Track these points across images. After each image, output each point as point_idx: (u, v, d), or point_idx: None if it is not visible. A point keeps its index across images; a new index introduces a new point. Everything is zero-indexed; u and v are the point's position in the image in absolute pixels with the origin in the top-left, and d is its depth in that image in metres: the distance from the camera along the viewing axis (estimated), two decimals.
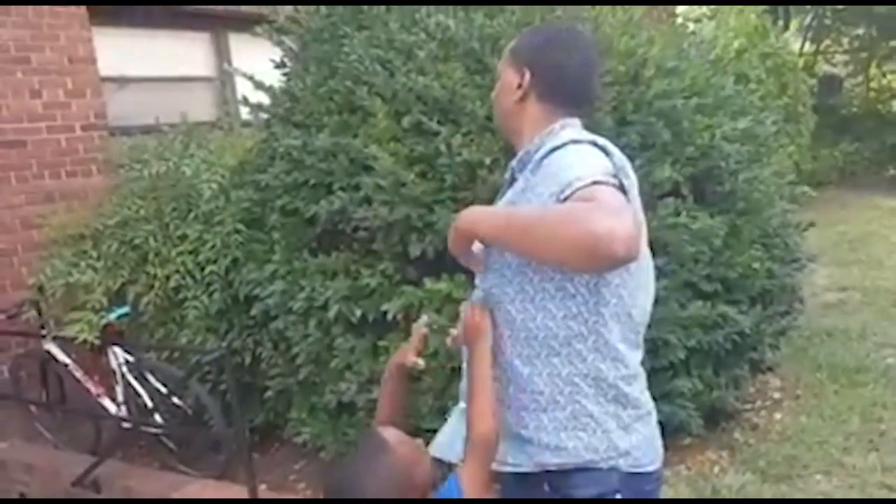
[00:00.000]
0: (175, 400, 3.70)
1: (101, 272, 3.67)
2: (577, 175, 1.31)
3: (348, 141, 3.15)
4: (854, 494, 3.07)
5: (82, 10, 4.73)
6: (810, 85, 10.18)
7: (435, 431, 2.80)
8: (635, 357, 1.51)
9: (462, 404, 1.61)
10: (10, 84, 4.44)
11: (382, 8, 3.41)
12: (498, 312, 1.49)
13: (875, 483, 3.13)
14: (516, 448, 1.48)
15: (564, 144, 1.42)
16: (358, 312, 3.13)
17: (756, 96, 4.20)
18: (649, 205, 2.67)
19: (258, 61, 3.95)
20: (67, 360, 4.02)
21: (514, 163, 1.58)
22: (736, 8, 9.82)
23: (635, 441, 1.47)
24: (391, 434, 1.47)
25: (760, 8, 9.85)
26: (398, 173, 2.99)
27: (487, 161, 2.97)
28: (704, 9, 12.94)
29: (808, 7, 14.22)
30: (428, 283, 3.05)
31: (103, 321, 3.71)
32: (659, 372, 3.13)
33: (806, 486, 3.15)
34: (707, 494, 3.14)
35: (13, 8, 4.44)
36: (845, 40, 15.40)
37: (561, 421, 1.44)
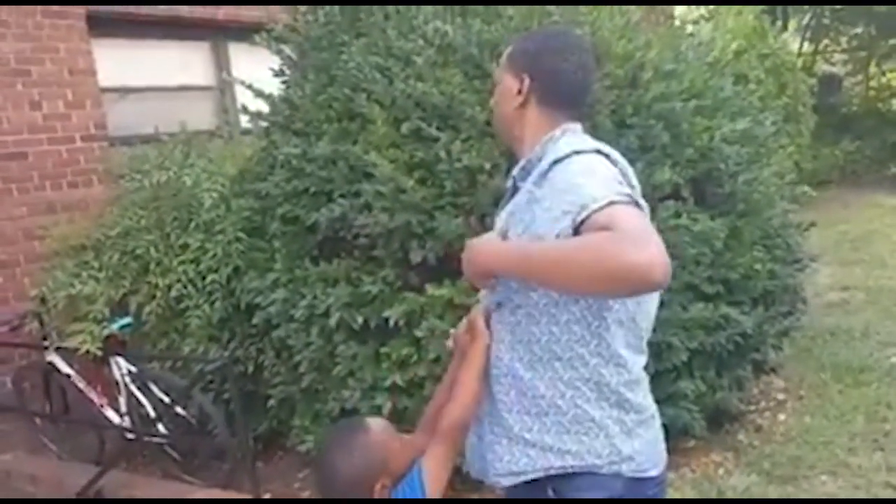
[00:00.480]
0: (178, 409, 3.70)
1: (102, 283, 3.68)
2: (591, 195, 1.29)
3: (347, 148, 3.15)
4: (860, 495, 3.06)
5: (81, 22, 4.74)
6: (810, 84, 10.18)
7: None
8: (639, 362, 1.51)
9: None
10: (10, 96, 4.45)
11: (380, 15, 3.42)
12: (500, 317, 1.49)
13: (880, 483, 3.12)
14: (520, 452, 1.48)
15: (568, 156, 1.41)
16: (360, 319, 3.13)
17: (755, 97, 4.19)
18: (650, 207, 2.67)
19: (257, 70, 3.96)
20: (70, 371, 4.02)
21: (515, 171, 1.58)
22: (734, 9, 9.82)
23: (638, 446, 1.47)
24: (376, 422, 1.51)
25: (758, 8, 9.85)
26: (398, 180, 2.99)
27: (487, 166, 2.97)
28: (702, 10, 12.95)
29: (807, 7, 14.23)
30: (430, 288, 3.05)
31: (105, 332, 3.71)
32: (662, 374, 3.13)
33: (811, 486, 3.14)
34: (712, 496, 3.13)
35: (13, 20, 4.45)
36: (844, 39, 15.40)
37: (563, 424, 1.44)
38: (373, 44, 3.34)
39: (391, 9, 3.41)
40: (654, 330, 1.60)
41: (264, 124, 3.76)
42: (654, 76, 3.30)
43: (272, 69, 3.81)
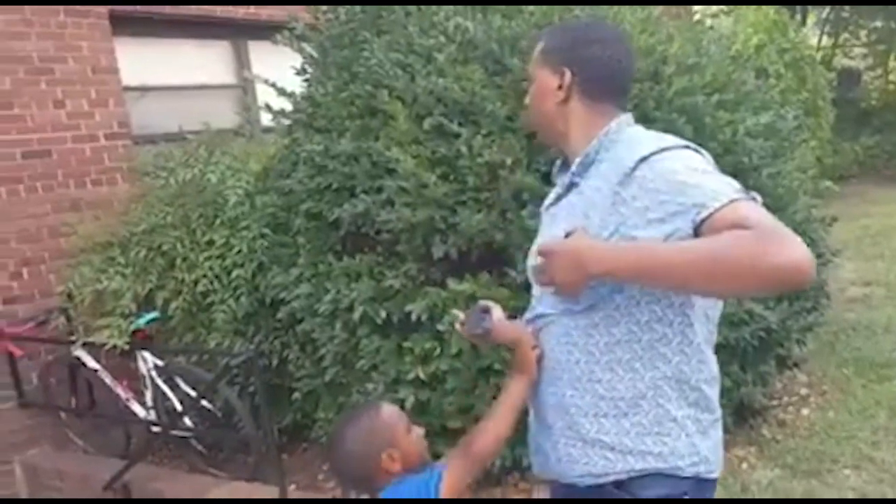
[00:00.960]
0: (204, 403, 3.74)
1: (129, 278, 3.73)
2: (708, 193, 1.25)
3: (370, 144, 3.18)
4: (884, 489, 3.05)
5: (104, 20, 4.80)
6: (829, 79, 10.10)
7: (460, 431, 2.82)
8: (714, 357, 1.49)
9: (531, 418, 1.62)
10: (34, 95, 4.50)
11: (402, 13, 3.44)
12: (573, 322, 1.45)
13: None
14: (597, 455, 1.45)
15: (656, 153, 1.35)
16: (383, 314, 3.16)
17: (776, 91, 4.18)
18: None
19: (277, 68, 3.99)
20: (97, 366, 4.08)
21: (574, 167, 1.49)
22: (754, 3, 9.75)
23: (711, 445, 1.45)
24: (389, 406, 1.57)
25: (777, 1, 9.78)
26: (420, 175, 3.01)
27: (508, 161, 2.98)
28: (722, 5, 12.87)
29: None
30: (451, 283, 3.07)
31: (132, 326, 3.77)
32: None
33: (835, 480, 3.13)
34: (736, 491, 3.14)
35: (36, 19, 4.51)
36: (863, 33, 15.24)
37: (644, 426, 1.41)
38: (394, 41, 3.36)
39: (412, 6, 3.43)
40: None
41: (287, 122, 3.80)
42: (677, 70, 3.30)
43: (294, 67, 3.85)
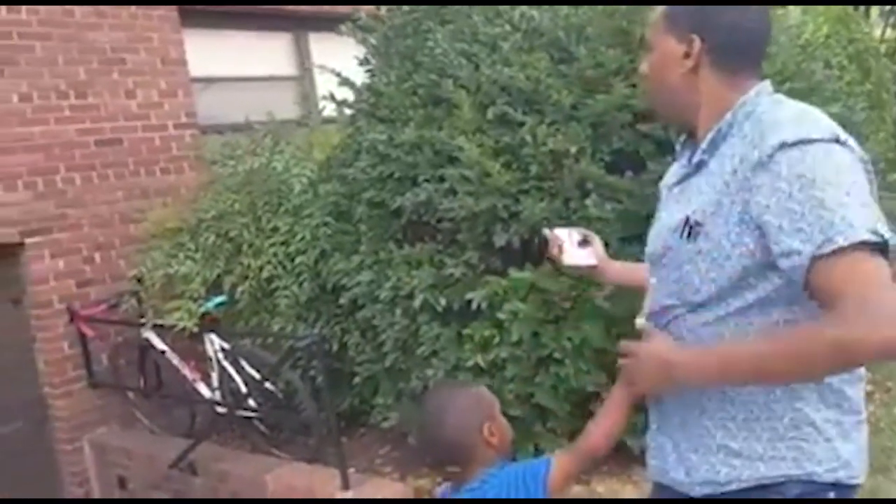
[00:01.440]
0: (267, 385, 3.84)
1: (198, 263, 3.86)
2: (842, 223, 1.12)
3: (433, 133, 3.21)
4: None
5: (174, 12, 4.94)
6: (893, 71, 9.78)
7: (516, 419, 2.83)
8: None
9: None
10: (107, 84, 4.67)
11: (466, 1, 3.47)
12: (699, 319, 1.36)
13: None
14: (720, 462, 1.35)
15: (799, 144, 1.20)
16: (443, 301, 3.19)
17: (843, 83, 4.08)
18: None
19: (336, 59, 4.05)
20: (165, 348, 4.22)
21: (704, 144, 1.37)
22: None
23: (853, 449, 1.34)
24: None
25: None
26: (483, 164, 3.04)
27: (573, 150, 2.99)
28: None
29: None
30: (512, 272, 3.10)
31: (201, 309, 3.89)
32: None
33: None
34: None
35: (109, 11, 4.67)
36: None
37: (778, 431, 1.31)
38: (458, 30, 3.39)
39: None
40: None
41: (349, 112, 3.86)
42: None
43: (357, 58, 3.91)
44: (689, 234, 1.33)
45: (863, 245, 1.12)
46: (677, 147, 1.51)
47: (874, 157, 4.10)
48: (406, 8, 3.79)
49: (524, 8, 3.24)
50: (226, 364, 3.96)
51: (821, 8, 8.52)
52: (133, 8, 4.77)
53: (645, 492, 1.76)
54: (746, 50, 1.37)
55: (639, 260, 2.83)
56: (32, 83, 4.34)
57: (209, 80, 5.28)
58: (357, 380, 3.69)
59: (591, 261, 1.72)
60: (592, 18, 3.11)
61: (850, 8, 9.44)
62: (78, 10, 4.52)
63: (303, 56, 5.81)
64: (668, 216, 1.44)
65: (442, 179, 3.21)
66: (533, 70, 3.09)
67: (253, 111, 4.98)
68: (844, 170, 1.20)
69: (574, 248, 1.67)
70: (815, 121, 1.26)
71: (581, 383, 2.98)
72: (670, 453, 1.44)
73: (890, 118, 9.71)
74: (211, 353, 4.00)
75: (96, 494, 4.57)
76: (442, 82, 3.27)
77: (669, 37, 1.38)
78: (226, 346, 3.98)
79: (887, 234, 1.13)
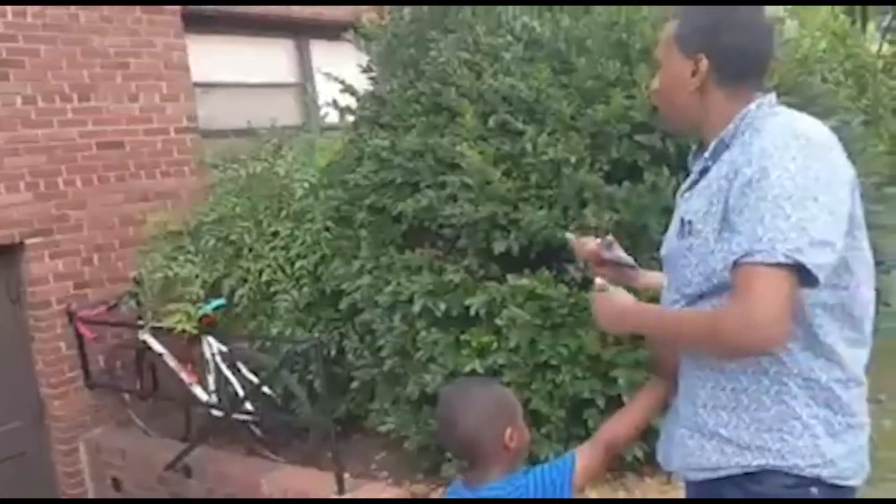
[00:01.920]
0: (265, 389, 3.86)
1: (198, 266, 3.88)
2: (769, 241, 1.23)
3: (435, 141, 3.25)
4: None
5: (177, 18, 4.98)
6: (890, 87, 9.87)
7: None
8: (857, 357, 1.41)
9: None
10: (110, 88, 4.70)
11: (469, 12, 3.51)
12: (700, 308, 1.45)
13: None
14: (713, 448, 1.43)
15: (776, 151, 1.29)
16: (442, 307, 3.22)
17: (840, 98, 4.13)
18: None
19: (337, 66, 4.10)
20: (162, 350, 4.23)
21: (707, 153, 1.45)
22: (815, 7, 9.60)
23: (842, 451, 1.37)
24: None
25: (839, 8, 9.62)
26: (485, 171, 3.08)
27: (573, 159, 3.03)
28: (781, 9, 12.66)
29: (889, 7, 13.75)
30: (511, 279, 3.13)
31: (200, 312, 3.91)
32: None
33: (893, 489, 3.09)
34: None
35: (114, 15, 4.71)
36: None
37: (765, 421, 1.37)
38: (461, 40, 3.43)
39: (479, 6, 3.50)
40: None
41: (352, 118, 3.90)
42: None
43: (360, 66, 3.95)
44: (682, 232, 1.45)
45: (776, 265, 1.23)
46: (690, 158, 1.59)
47: (867, 171, 4.15)
48: (409, 17, 3.83)
49: (526, 19, 3.28)
50: (223, 367, 3.97)
51: (818, 22, 8.61)
52: (138, 13, 4.81)
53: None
54: (751, 67, 1.44)
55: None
56: (37, 86, 4.37)
57: (211, 86, 5.32)
58: (355, 384, 3.72)
59: (630, 260, 1.76)
60: (592, 31, 3.16)
61: (847, 23, 9.54)
62: (83, 14, 4.56)
63: (304, 63, 5.85)
64: (676, 220, 1.53)
65: (443, 186, 3.25)
66: (534, 80, 3.13)
67: (254, 117, 5.02)
68: (803, 183, 1.27)
69: (607, 248, 1.71)
70: (797, 130, 1.33)
71: (576, 390, 3.01)
72: (673, 440, 1.53)
73: (887, 133, 9.80)
74: (208, 356, 4.01)
75: (91, 495, 4.58)
76: (444, 91, 3.31)
77: (678, 55, 1.46)
78: (223, 349, 4.00)
79: (804, 258, 1.22)
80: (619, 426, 1.56)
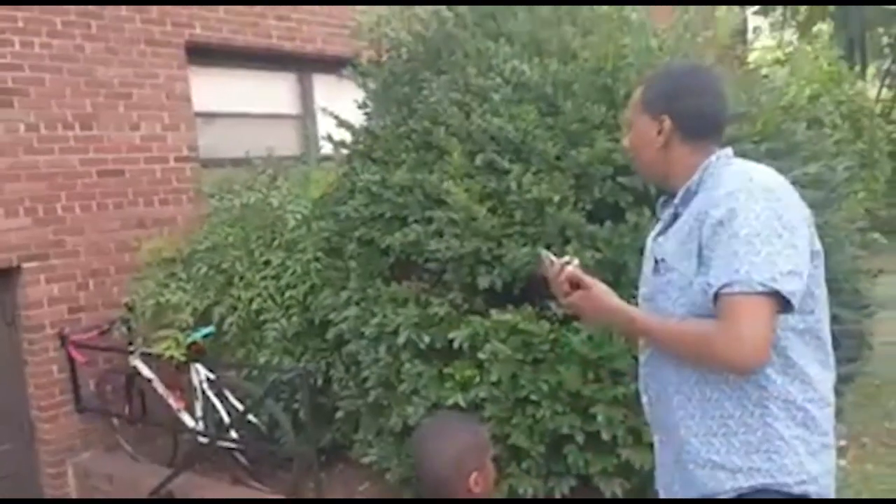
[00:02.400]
0: (250, 417, 3.89)
1: (189, 293, 3.94)
2: (746, 273, 1.38)
3: (424, 177, 3.32)
4: None
5: (181, 50, 5.11)
6: (887, 131, 10.00)
7: (495, 458, 2.90)
8: (826, 380, 1.54)
9: (655, 436, 1.75)
10: (112, 117, 4.81)
11: (461, 54, 3.61)
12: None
13: None
14: (707, 475, 1.53)
15: (739, 193, 1.46)
16: (426, 339, 3.26)
17: (831, 142, 4.21)
18: None
19: (339, 101, 4.20)
20: (152, 376, 4.27)
21: (676, 200, 1.63)
22: (810, 54, 9.76)
23: (821, 470, 1.50)
24: (482, 426, 1.71)
25: (835, 53, 9.78)
26: (470, 208, 3.14)
27: (556, 198, 3.09)
28: (778, 53, 12.86)
29: (887, 52, 13.95)
30: (494, 313, 3.17)
31: (189, 339, 3.95)
32: None
33: None
34: None
35: (119, 47, 4.83)
36: None
37: (752, 444, 1.48)
38: (452, 80, 3.52)
39: (471, 48, 3.60)
40: None
41: (346, 152, 3.98)
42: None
43: (356, 101, 4.04)
44: (658, 270, 1.62)
45: (754, 293, 1.38)
46: (657, 206, 1.78)
47: (851, 217, 4.22)
48: (405, 56, 3.93)
49: (516, 62, 3.37)
50: (210, 394, 4.01)
51: (807, 69, 8.76)
52: (142, 45, 4.93)
53: None
54: (708, 125, 1.64)
55: None
56: (40, 114, 4.48)
57: (213, 116, 5.43)
58: (339, 414, 3.74)
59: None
60: (579, 75, 3.25)
61: (844, 67, 9.69)
62: (89, 45, 4.68)
63: (306, 96, 5.97)
64: (650, 261, 1.69)
65: (430, 221, 3.31)
66: (521, 121, 3.21)
67: (255, 148, 5.12)
68: (767, 222, 1.43)
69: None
70: (754, 177, 1.51)
71: (556, 425, 3.03)
72: (671, 469, 1.64)
73: (882, 177, 9.90)
74: (196, 382, 4.05)
75: None
76: (434, 129, 3.39)
77: (645, 117, 1.66)
78: (211, 376, 4.04)
79: (779, 286, 1.39)
80: None
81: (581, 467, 3.06)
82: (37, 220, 4.44)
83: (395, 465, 3.48)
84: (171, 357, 3.94)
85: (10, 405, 4.46)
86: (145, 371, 4.29)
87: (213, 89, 5.38)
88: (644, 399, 1.75)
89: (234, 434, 3.93)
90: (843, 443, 3.96)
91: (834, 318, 3.59)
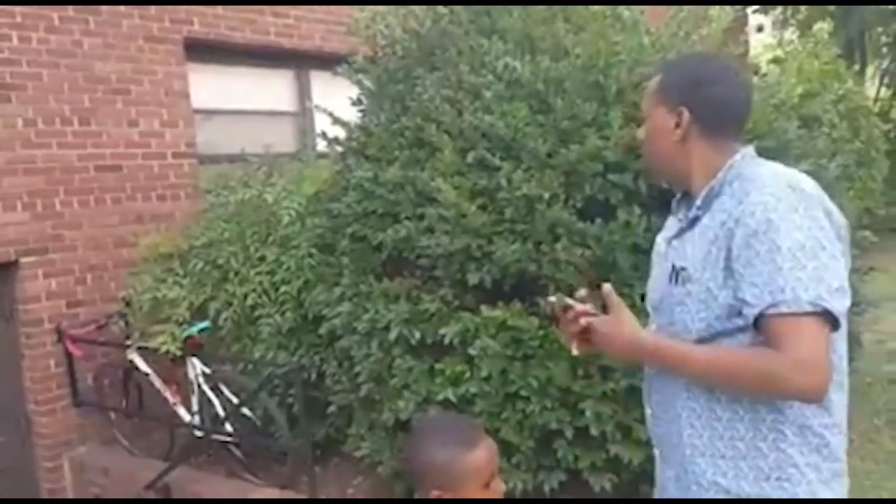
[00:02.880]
0: (245, 411, 3.93)
1: (186, 288, 3.98)
2: (792, 291, 1.28)
3: (416, 174, 3.35)
4: None
5: (179, 46, 5.13)
6: (884, 130, 10.01)
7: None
8: (842, 404, 1.45)
9: (656, 450, 1.65)
10: (111, 113, 4.83)
11: (454, 51, 3.63)
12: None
13: None
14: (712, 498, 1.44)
15: (776, 201, 1.34)
16: (417, 335, 3.29)
17: (828, 139, 4.22)
18: None
19: (336, 98, 4.22)
20: (148, 370, 4.31)
21: (699, 201, 1.50)
22: (808, 52, 9.77)
23: (832, 497, 1.41)
24: (482, 450, 1.47)
25: (833, 52, 9.79)
26: (461, 205, 3.17)
27: (546, 196, 3.12)
28: (778, 52, 12.86)
29: (885, 51, 13.95)
30: (484, 310, 3.20)
31: (185, 334, 3.99)
32: None
33: None
34: None
35: (118, 43, 4.85)
36: None
37: (763, 470, 1.39)
38: (445, 78, 3.55)
39: (464, 45, 3.62)
40: None
41: (340, 149, 4.01)
42: None
43: (350, 98, 4.07)
44: (677, 279, 1.48)
45: (804, 314, 1.29)
46: (673, 204, 1.65)
47: (846, 213, 4.24)
48: (399, 53, 3.96)
49: (508, 60, 3.40)
50: (206, 388, 4.05)
51: (797, 67, 8.76)
52: (141, 41, 4.95)
53: None
54: (730, 117, 1.53)
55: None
56: (38, 109, 4.50)
57: (211, 112, 5.46)
58: (332, 409, 3.78)
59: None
60: (570, 73, 3.27)
61: (843, 66, 9.69)
62: (87, 41, 4.71)
63: (303, 93, 6.00)
64: (665, 267, 1.56)
65: (422, 218, 3.34)
66: (512, 119, 3.23)
67: (253, 144, 5.15)
68: (810, 233, 1.33)
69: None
70: (791, 182, 1.39)
71: (545, 420, 3.06)
72: (670, 490, 1.55)
73: (879, 175, 9.90)
74: (192, 377, 4.09)
75: None
76: (426, 126, 3.42)
77: (661, 108, 1.54)
78: (207, 370, 4.08)
79: (829, 304, 1.29)
80: None
81: (570, 462, 3.09)
82: (35, 214, 4.48)
83: (387, 459, 3.52)
84: (168, 351, 3.98)
85: (6, 399, 4.50)
86: (142, 365, 4.33)
87: (211, 86, 5.41)
88: (647, 411, 1.65)
89: (229, 428, 3.96)
90: None
91: None
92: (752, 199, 1.36)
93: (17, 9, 4.41)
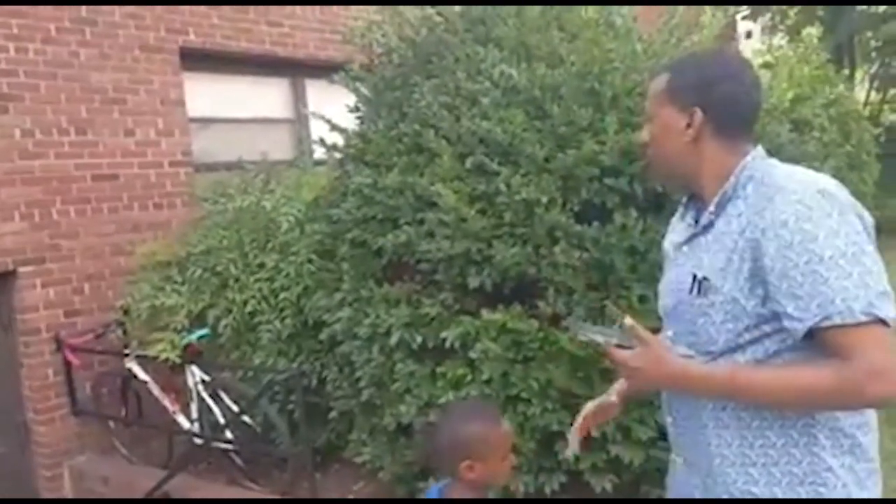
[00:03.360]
0: (245, 418, 3.94)
1: (185, 296, 3.99)
2: (840, 300, 1.25)
3: (415, 179, 3.38)
4: None
5: (175, 56, 5.16)
6: (875, 134, 10.09)
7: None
8: None
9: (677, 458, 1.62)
10: (107, 122, 4.86)
11: (451, 59, 3.67)
12: (724, 363, 1.42)
13: None
14: None
15: (801, 203, 1.30)
16: (418, 339, 3.31)
17: (818, 143, 4.28)
18: None
19: (331, 105, 4.25)
20: (147, 378, 4.32)
21: (712, 206, 1.46)
22: (798, 57, 9.85)
23: (868, 497, 1.38)
24: (505, 425, 1.77)
25: (823, 56, 9.88)
26: (460, 210, 3.20)
27: (544, 200, 3.15)
28: (768, 57, 12.97)
29: (874, 55, 14.09)
30: (485, 313, 3.23)
31: (184, 341, 4.00)
32: None
33: None
34: None
35: (114, 53, 4.88)
36: None
37: (797, 475, 1.36)
38: (442, 85, 3.58)
39: (461, 53, 3.66)
40: None
41: (339, 156, 4.04)
42: None
43: (347, 105, 4.10)
44: (699, 289, 1.42)
45: (857, 324, 1.25)
46: (680, 207, 1.63)
47: None
48: (396, 61, 3.99)
49: (504, 67, 3.43)
50: (205, 396, 4.05)
51: (787, 72, 8.84)
52: (136, 51, 4.98)
53: None
54: (743, 119, 1.49)
55: (602, 305, 2.98)
56: (35, 119, 4.52)
57: (207, 121, 5.48)
58: (333, 414, 3.79)
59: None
60: (566, 79, 3.30)
61: (832, 70, 9.78)
62: (83, 51, 4.73)
63: (299, 101, 6.03)
64: (677, 273, 1.53)
65: (421, 223, 3.36)
66: (510, 124, 3.26)
67: (250, 152, 5.17)
68: (849, 238, 1.29)
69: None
70: (818, 184, 1.35)
71: (546, 422, 3.09)
72: (692, 492, 1.53)
73: (871, 179, 9.98)
74: (191, 384, 4.09)
75: None
76: (425, 132, 3.45)
77: (671, 109, 1.49)
78: (206, 378, 4.08)
79: (882, 312, 1.26)
80: None
81: (571, 463, 3.11)
82: (32, 224, 4.49)
83: (388, 464, 3.53)
84: (167, 359, 3.99)
85: (5, 408, 4.49)
86: (141, 373, 4.33)
87: (206, 94, 5.44)
88: (668, 419, 1.60)
89: (229, 435, 3.97)
90: None
91: None
92: (779, 208, 1.32)
93: (14, 20, 4.43)
